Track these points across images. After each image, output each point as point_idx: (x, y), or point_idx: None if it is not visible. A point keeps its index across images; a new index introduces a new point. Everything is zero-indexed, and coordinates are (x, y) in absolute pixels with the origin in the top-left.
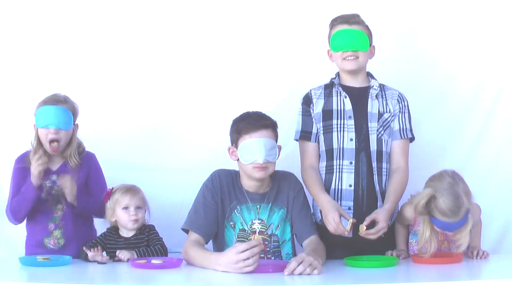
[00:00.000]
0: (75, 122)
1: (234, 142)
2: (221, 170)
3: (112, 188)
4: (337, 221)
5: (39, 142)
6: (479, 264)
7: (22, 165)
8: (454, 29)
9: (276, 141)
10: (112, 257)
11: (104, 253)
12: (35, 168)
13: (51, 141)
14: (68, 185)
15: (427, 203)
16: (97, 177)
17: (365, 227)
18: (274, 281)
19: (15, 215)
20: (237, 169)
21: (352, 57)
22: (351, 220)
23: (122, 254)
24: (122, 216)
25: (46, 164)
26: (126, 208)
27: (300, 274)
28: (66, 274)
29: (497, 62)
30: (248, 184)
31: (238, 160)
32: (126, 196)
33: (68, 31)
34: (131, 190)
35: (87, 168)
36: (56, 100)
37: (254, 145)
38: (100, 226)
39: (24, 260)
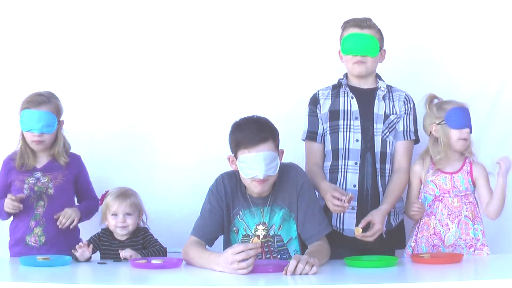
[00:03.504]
0: (60, 119)
1: (234, 152)
2: (226, 174)
3: (107, 191)
4: (336, 196)
5: (25, 142)
6: (479, 264)
7: (8, 166)
8: (455, 28)
9: (277, 149)
10: (106, 257)
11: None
12: (7, 207)
13: (35, 142)
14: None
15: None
16: (87, 180)
17: (361, 230)
18: (274, 281)
19: None
20: None
21: (361, 62)
22: (349, 194)
23: (125, 252)
24: (111, 222)
25: (18, 209)
26: (115, 214)
27: (300, 274)
28: (66, 274)
29: (497, 61)
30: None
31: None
32: (115, 203)
33: (63, 29)
34: (121, 196)
35: (75, 170)
36: (39, 102)
37: (253, 160)
38: (93, 226)
39: (24, 260)
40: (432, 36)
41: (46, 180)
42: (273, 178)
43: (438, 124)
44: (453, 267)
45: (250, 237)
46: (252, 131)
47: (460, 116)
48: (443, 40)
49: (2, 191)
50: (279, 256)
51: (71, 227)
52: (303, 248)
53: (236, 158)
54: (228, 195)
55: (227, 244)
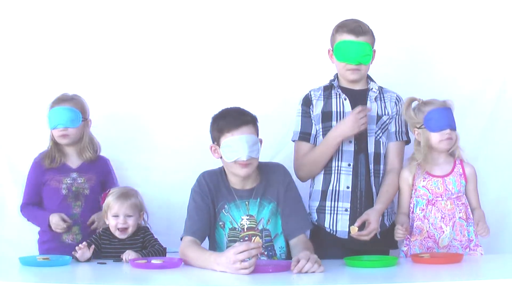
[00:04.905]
0: (87, 118)
1: (216, 140)
2: (206, 172)
3: (109, 191)
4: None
5: (54, 141)
6: (479, 264)
7: (41, 166)
8: (456, 28)
9: (257, 135)
10: (106, 256)
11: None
12: (56, 227)
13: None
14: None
15: (413, 109)
16: (114, 183)
17: (356, 229)
18: (274, 281)
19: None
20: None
21: (355, 70)
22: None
23: (128, 254)
24: (112, 223)
25: (65, 230)
26: (116, 215)
27: (306, 272)
28: (66, 274)
29: (498, 62)
30: (234, 181)
31: (221, 157)
32: (116, 204)
33: (71, 33)
34: (123, 196)
35: (103, 173)
36: (62, 100)
37: (236, 143)
38: None
39: (24, 260)
40: (432, 36)
41: (82, 181)
42: (256, 162)
43: (418, 128)
44: (453, 267)
45: (237, 230)
46: (234, 116)
47: (438, 118)
48: (444, 41)
49: (34, 192)
50: (266, 253)
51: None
52: (288, 245)
53: (219, 145)
54: (211, 192)
55: (212, 240)
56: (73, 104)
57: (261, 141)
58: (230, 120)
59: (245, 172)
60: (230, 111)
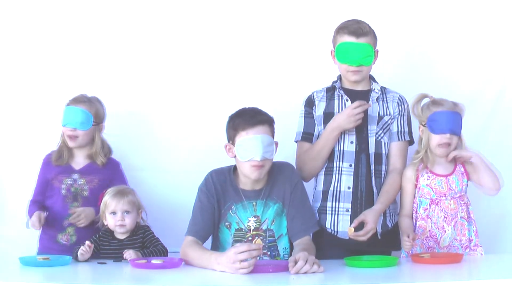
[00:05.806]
0: (100, 123)
1: (231, 139)
2: (214, 171)
3: (105, 191)
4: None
5: (64, 139)
6: (479, 264)
7: (48, 164)
8: (454, 29)
9: (273, 137)
10: (105, 257)
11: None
12: (32, 226)
13: (69, 137)
14: (82, 217)
15: (422, 106)
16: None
17: (353, 229)
18: (274, 281)
19: None
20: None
21: (356, 71)
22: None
23: (129, 254)
24: (110, 221)
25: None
26: (113, 213)
27: (305, 272)
28: (66, 274)
29: (498, 62)
30: (244, 181)
31: (235, 157)
32: (113, 201)
33: (84, 34)
34: (119, 194)
35: (111, 175)
36: (78, 101)
37: (251, 142)
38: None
39: (24, 260)
40: (432, 37)
41: (82, 182)
42: (269, 164)
43: (423, 125)
44: (453, 267)
45: (243, 231)
46: (250, 114)
47: (442, 121)
48: (444, 42)
49: (39, 190)
50: (269, 253)
51: (81, 225)
52: (292, 246)
53: (234, 144)
54: (218, 192)
55: (216, 240)
56: (86, 107)
57: (276, 144)
58: (246, 118)
59: (257, 175)
60: (247, 110)
